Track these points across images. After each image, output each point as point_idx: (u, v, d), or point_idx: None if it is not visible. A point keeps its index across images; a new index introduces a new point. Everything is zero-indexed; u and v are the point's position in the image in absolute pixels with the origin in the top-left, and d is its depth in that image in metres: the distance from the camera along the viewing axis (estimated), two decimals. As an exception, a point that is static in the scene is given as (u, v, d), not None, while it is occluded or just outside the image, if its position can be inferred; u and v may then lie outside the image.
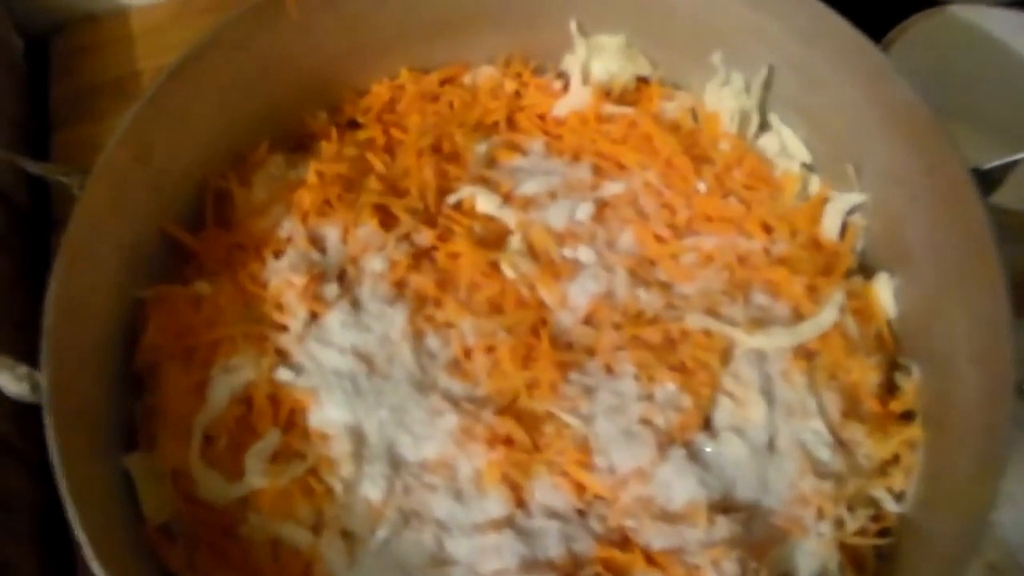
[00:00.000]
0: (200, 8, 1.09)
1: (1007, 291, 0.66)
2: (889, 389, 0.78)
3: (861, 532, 0.73)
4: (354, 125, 0.88)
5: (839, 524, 0.72)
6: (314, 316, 0.77)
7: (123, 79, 1.06)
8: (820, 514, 0.72)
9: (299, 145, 0.87)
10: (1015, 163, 0.71)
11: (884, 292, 0.80)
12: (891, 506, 0.74)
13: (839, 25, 0.76)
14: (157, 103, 0.75)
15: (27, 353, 0.66)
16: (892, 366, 0.79)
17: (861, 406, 0.76)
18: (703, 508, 0.71)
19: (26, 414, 0.66)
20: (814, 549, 0.71)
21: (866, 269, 0.83)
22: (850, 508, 0.73)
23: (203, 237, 0.81)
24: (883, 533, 0.74)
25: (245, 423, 0.74)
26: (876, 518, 0.74)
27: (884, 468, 0.75)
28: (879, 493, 0.74)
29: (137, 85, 1.05)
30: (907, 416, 0.77)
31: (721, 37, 0.85)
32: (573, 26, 0.88)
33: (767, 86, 0.85)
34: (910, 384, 0.77)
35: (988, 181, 0.71)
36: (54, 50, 1.09)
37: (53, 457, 0.63)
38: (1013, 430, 0.64)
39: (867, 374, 0.76)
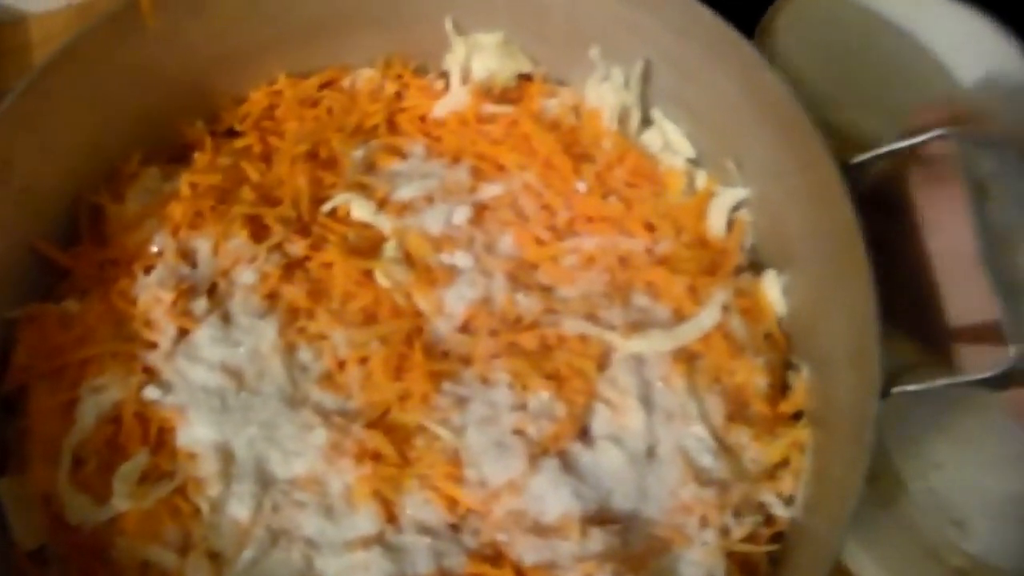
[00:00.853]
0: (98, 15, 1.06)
1: (875, 291, 0.65)
2: (783, 389, 0.76)
3: (751, 538, 0.71)
4: (234, 134, 0.86)
5: (724, 532, 0.70)
6: (184, 332, 0.75)
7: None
8: (704, 522, 0.70)
9: (178, 156, 0.84)
10: (886, 155, 0.70)
11: (772, 290, 0.78)
12: (780, 511, 0.72)
13: (708, 18, 0.74)
14: (11, 121, 0.73)
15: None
16: (786, 366, 0.78)
17: (748, 409, 0.75)
18: (576, 520, 0.69)
19: None
20: (699, 559, 0.70)
21: (757, 267, 0.81)
22: (737, 514, 0.71)
23: (76, 253, 0.79)
24: (776, 538, 0.72)
25: (114, 444, 0.72)
26: (768, 523, 0.72)
27: (773, 472, 0.73)
28: (768, 498, 0.72)
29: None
30: (799, 417, 0.75)
31: (597, 32, 0.83)
32: (448, 24, 0.86)
33: (646, 80, 0.83)
34: (800, 384, 0.75)
35: (860, 174, 0.69)
36: (-50, 62, 1.06)
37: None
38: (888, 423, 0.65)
39: (753, 375, 0.74)
